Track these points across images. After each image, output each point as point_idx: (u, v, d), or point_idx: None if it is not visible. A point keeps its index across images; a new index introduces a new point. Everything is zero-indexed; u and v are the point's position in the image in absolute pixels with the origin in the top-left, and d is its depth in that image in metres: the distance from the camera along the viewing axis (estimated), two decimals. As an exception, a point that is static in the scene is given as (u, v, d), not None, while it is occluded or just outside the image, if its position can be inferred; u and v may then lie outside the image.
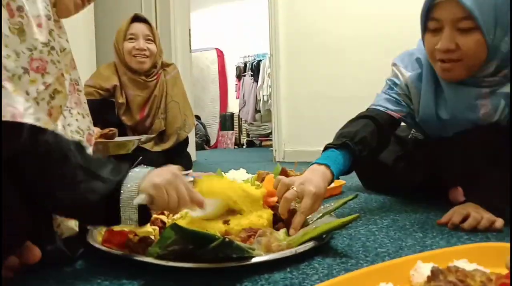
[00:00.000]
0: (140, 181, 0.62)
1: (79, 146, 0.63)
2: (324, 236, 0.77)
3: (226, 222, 0.72)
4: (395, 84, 1.19)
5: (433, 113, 1.06)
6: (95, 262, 0.72)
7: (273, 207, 0.83)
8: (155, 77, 1.78)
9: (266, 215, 0.77)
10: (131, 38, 1.69)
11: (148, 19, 1.73)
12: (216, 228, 0.72)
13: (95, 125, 1.20)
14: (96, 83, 1.68)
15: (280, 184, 0.84)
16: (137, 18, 1.71)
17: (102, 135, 1.20)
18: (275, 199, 0.83)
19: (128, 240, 0.70)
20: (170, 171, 0.66)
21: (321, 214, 0.87)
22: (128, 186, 0.61)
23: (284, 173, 1.06)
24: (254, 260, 0.65)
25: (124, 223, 0.62)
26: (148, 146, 1.75)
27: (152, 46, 1.70)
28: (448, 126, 1.05)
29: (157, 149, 1.77)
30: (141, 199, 0.61)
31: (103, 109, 1.67)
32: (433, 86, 1.05)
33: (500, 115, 0.96)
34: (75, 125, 0.79)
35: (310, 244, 0.73)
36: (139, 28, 1.70)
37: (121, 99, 1.69)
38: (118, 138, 1.26)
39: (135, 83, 1.72)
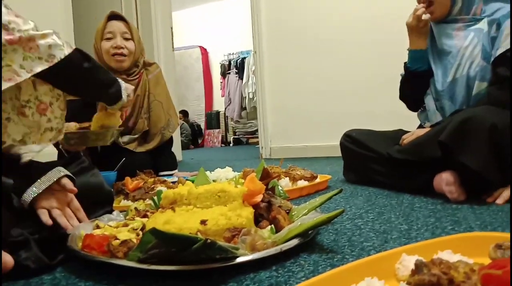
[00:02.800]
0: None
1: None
2: (309, 232, 0.76)
3: (203, 222, 0.71)
4: None
5: (429, 47, 1.39)
6: (76, 268, 0.70)
7: (256, 206, 0.82)
8: (137, 76, 1.74)
9: (245, 213, 0.76)
10: (108, 38, 1.66)
11: (125, 17, 1.69)
12: (193, 228, 0.70)
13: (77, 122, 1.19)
14: None
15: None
16: (113, 16, 1.67)
17: (80, 128, 1.18)
18: (258, 198, 0.82)
19: (109, 244, 0.68)
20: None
21: (306, 210, 0.87)
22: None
23: (266, 172, 1.05)
24: (238, 260, 0.64)
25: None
26: (131, 146, 1.72)
27: (129, 44, 1.67)
28: (436, 67, 1.34)
29: (141, 149, 1.74)
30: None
31: (83, 108, 1.64)
32: (429, 38, 1.40)
33: (470, 44, 1.24)
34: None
35: (295, 241, 0.72)
36: (115, 25, 1.66)
37: None
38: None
39: None
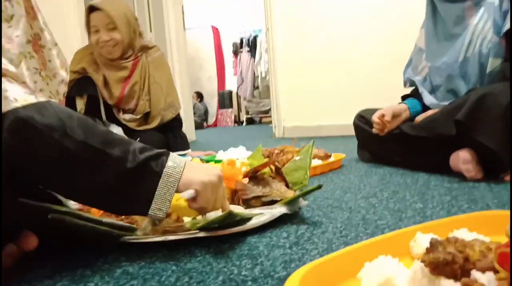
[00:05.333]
0: (181, 175, 0.62)
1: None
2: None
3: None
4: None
5: (432, 31, 1.36)
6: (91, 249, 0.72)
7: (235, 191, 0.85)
8: (132, 59, 1.73)
9: None
10: (94, 31, 1.64)
11: (104, 6, 1.60)
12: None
13: None
14: (70, 69, 1.67)
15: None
16: (92, 8, 1.64)
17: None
18: (232, 184, 0.86)
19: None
20: (214, 173, 0.66)
21: (280, 199, 0.86)
22: (169, 176, 0.61)
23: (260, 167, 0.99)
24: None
25: (152, 212, 0.60)
26: (131, 125, 1.75)
27: (115, 34, 1.63)
28: (444, 48, 1.30)
29: (141, 129, 1.77)
30: (189, 194, 0.61)
31: (82, 85, 1.67)
32: (431, 12, 1.36)
33: (480, 20, 1.18)
34: (47, 90, 0.76)
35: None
36: (97, 18, 1.62)
37: (95, 76, 1.67)
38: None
39: (109, 65, 1.69)
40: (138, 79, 1.73)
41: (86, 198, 0.62)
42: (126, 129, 1.72)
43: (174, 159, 0.63)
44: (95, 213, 0.76)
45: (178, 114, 1.88)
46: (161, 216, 0.61)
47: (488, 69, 1.18)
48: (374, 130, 1.40)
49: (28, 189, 0.61)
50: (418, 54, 1.45)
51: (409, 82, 1.50)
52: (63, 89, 0.81)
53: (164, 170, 0.61)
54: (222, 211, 0.71)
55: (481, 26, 1.18)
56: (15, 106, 0.53)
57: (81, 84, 1.67)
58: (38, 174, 0.57)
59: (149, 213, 0.61)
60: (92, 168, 0.57)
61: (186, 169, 0.63)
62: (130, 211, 0.65)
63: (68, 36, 2.37)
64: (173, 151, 1.79)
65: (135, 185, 0.59)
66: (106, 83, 1.69)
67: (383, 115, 1.36)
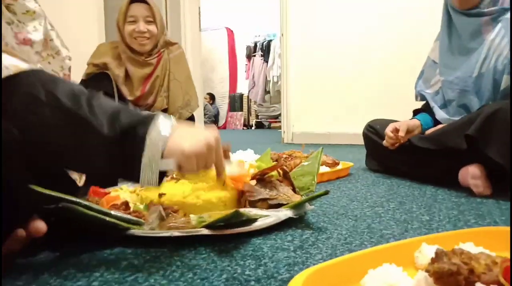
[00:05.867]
0: (165, 142, 0.58)
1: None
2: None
3: (160, 195, 0.81)
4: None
5: (446, 44, 1.35)
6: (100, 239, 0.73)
7: (242, 192, 0.86)
8: (156, 55, 1.76)
9: (213, 195, 0.82)
10: (131, 21, 1.67)
11: None
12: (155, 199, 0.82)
13: None
14: (90, 61, 1.69)
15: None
16: None
17: None
18: (239, 185, 0.86)
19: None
20: (202, 138, 0.61)
21: (287, 203, 0.85)
22: (152, 144, 0.58)
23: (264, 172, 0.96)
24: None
25: (142, 183, 0.59)
26: None
27: (152, 27, 1.67)
28: (458, 62, 1.29)
29: None
30: (167, 165, 0.58)
31: (98, 81, 1.69)
32: (446, 25, 1.34)
33: (497, 36, 1.18)
34: (49, 69, 0.78)
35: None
36: (138, 10, 1.66)
37: (117, 71, 1.68)
38: None
39: (134, 61, 1.71)
40: (159, 74, 1.76)
41: (76, 165, 0.64)
42: None
43: (158, 127, 0.60)
44: (104, 205, 0.77)
45: (192, 113, 1.89)
46: (153, 185, 0.59)
47: (502, 86, 1.17)
48: (385, 142, 1.39)
49: (43, 174, 0.62)
50: (431, 67, 1.45)
51: (420, 96, 1.49)
52: (68, 64, 0.85)
53: (148, 139, 0.58)
54: (216, 171, 0.68)
55: (498, 42, 1.17)
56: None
57: (98, 80, 1.69)
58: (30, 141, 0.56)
59: (140, 181, 0.59)
60: (75, 135, 0.57)
61: (172, 137, 0.60)
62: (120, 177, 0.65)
63: (89, 31, 2.40)
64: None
65: (122, 152, 0.58)
66: (127, 79, 1.71)
67: (397, 130, 1.35)
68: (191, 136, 0.62)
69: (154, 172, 0.58)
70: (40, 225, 0.62)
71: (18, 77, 0.56)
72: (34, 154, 0.57)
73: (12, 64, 0.56)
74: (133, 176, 0.59)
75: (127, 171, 0.60)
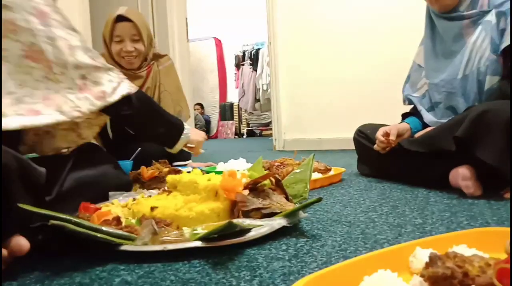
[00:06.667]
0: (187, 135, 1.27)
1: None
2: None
3: (152, 209, 0.82)
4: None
5: (430, 48, 1.38)
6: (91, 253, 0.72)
7: (235, 203, 0.84)
8: (146, 68, 1.76)
9: (205, 207, 0.81)
10: (117, 41, 1.66)
11: (139, 8, 1.68)
12: (147, 212, 0.82)
13: None
14: None
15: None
16: (120, 18, 1.66)
17: None
18: (232, 196, 0.85)
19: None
20: (201, 135, 1.38)
21: (280, 211, 0.85)
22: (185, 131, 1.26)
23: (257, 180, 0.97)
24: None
25: (176, 149, 1.27)
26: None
27: (139, 46, 1.67)
28: (443, 65, 1.32)
29: None
30: (187, 137, 1.27)
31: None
32: (429, 30, 1.39)
33: (478, 38, 1.20)
34: (63, 87, 0.83)
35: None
36: (123, 29, 1.65)
37: None
38: None
39: (124, 74, 1.70)
40: (150, 85, 1.75)
41: (152, 137, 1.29)
42: (126, 136, 1.72)
43: (186, 128, 1.28)
44: (94, 221, 0.76)
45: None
46: (184, 139, 1.26)
47: (486, 87, 1.19)
48: (376, 147, 1.40)
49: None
50: (417, 71, 1.47)
51: (408, 100, 1.51)
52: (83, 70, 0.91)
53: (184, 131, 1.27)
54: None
55: (479, 44, 1.20)
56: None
57: None
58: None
59: (181, 137, 1.26)
60: (155, 117, 1.21)
61: (191, 133, 1.28)
62: (173, 138, 1.26)
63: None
64: (174, 161, 1.80)
65: (176, 132, 1.26)
66: None
67: (387, 134, 1.36)
68: (195, 134, 1.35)
69: (182, 143, 1.26)
70: (22, 242, 0.60)
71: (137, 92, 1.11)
72: (138, 122, 1.15)
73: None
74: (174, 143, 1.25)
75: (174, 139, 1.25)
